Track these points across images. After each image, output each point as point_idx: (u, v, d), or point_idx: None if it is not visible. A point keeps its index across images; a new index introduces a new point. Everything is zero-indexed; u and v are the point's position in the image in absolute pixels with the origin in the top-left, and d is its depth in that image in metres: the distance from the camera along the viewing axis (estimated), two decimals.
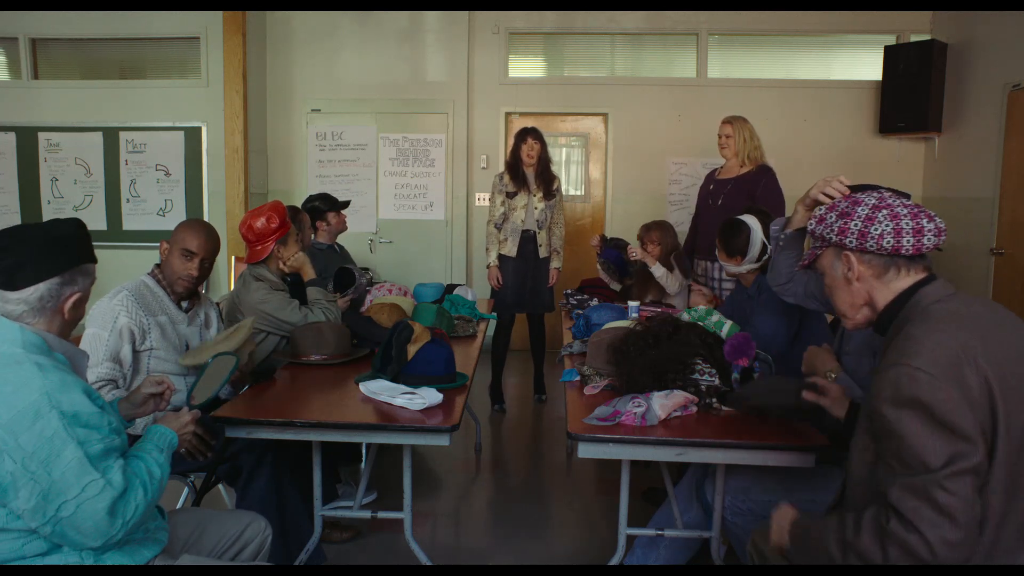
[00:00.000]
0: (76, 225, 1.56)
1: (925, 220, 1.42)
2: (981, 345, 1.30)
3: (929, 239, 1.42)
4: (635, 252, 3.93)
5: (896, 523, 1.25)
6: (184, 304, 2.46)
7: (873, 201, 1.46)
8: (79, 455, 1.37)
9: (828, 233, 1.51)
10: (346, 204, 4.07)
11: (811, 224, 1.57)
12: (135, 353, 2.31)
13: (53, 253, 1.48)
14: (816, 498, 1.91)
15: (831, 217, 1.51)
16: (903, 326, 1.41)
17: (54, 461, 1.36)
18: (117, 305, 2.26)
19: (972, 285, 5.14)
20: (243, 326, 2.41)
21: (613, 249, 4.10)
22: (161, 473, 1.54)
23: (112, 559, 1.48)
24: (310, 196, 4.05)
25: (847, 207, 1.48)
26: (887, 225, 1.42)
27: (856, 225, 1.45)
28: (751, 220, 2.77)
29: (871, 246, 1.44)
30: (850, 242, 1.46)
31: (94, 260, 1.58)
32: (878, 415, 1.33)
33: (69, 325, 1.55)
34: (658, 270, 3.81)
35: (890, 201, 1.46)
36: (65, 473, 1.36)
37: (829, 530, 1.37)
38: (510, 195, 4.42)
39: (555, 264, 4.52)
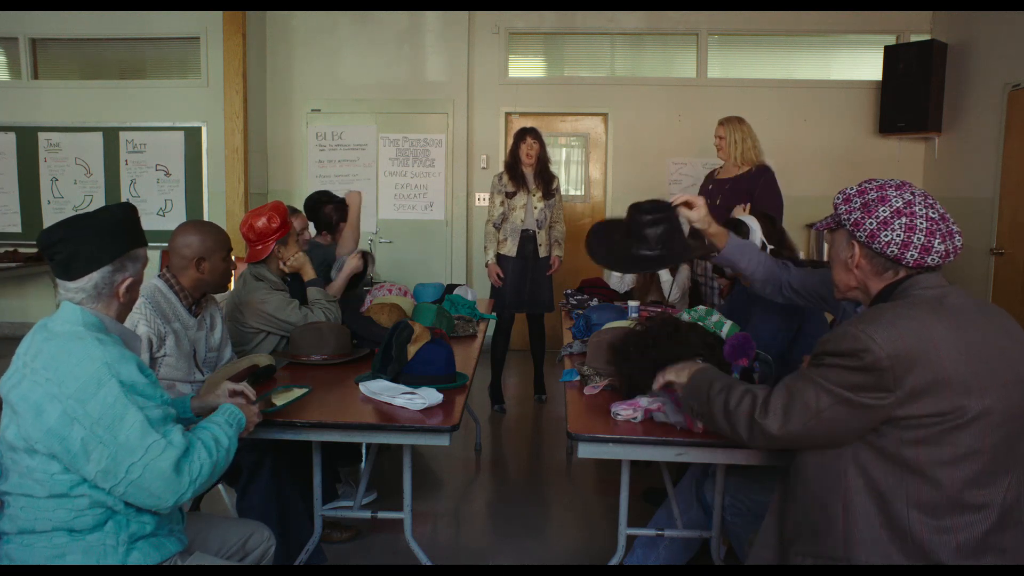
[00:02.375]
0: (123, 211, 1.65)
1: (937, 240, 1.41)
2: (948, 333, 1.33)
3: (933, 259, 1.42)
4: None
5: (761, 403, 1.46)
6: (193, 308, 2.45)
7: (899, 204, 1.44)
8: (140, 418, 1.48)
9: (845, 218, 1.52)
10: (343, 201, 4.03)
11: (837, 198, 1.57)
12: (151, 360, 2.30)
13: (102, 243, 1.58)
14: None
15: (856, 202, 1.50)
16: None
17: (118, 425, 1.46)
18: (136, 314, 2.23)
19: (972, 285, 5.14)
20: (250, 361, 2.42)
21: None
22: (228, 443, 1.64)
23: (141, 547, 1.57)
24: (319, 195, 3.95)
25: (874, 200, 1.47)
26: (898, 235, 1.42)
27: (871, 224, 1.46)
28: (750, 220, 2.78)
29: (876, 247, 1.46)
30: (860, 236, 1.48)
31: (143, 244, 1.68)
32: (815, 355, 1.44)
33: (126, 307, 1.67)
34: (664, 274, 3.84)
35: (915, 210, 1.44)
36: (129, 436, 1.46)
37: (722, 395, 1.57)
38: (509, 195, 4.42)
39: (556, 252, 4.53)
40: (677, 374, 1.80)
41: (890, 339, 1.32)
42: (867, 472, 1.38)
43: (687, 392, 1.72)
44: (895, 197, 1.46)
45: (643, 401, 1.98)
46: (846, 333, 1.38)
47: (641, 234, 2.03)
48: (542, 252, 4.48)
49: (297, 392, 2.10)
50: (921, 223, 1.42)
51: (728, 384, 1.60)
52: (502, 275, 4.46)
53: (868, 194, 1.49)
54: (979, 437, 1.31)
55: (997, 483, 1.34)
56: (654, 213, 2.03)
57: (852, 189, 1.54)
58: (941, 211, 1.45)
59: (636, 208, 2.08)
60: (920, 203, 1.44)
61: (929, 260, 1.43)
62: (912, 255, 1.42)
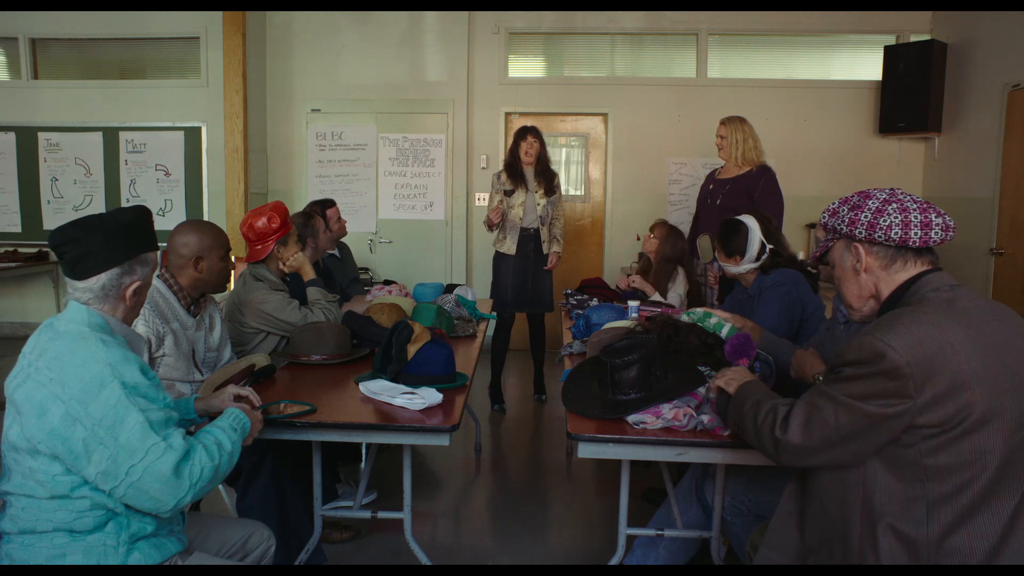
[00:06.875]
0: (136, 215, 1.65)
1: (934, 215, 1.45)
2: (965, 335, 1.32)
3: (936, 233, 1.44)
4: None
5: (781, 420, 1.46)
6: (192, 308, 2.45)
7: (884, 195, 1.49)
8: (141, 420, 1.48)
9: (839, 225, 1.54)
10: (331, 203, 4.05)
11: (823, 217, 1.59)
12: (150, 360, 2.30)
13: (112, 245, 1.58)
14: None
15: (843, 210, 1.54)
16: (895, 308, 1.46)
17: (119, 426, 1.47)
18: None
19: (972, 285, 5.11)
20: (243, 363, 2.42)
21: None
22: (232, 447, 1.64)
23: (141, 548, 1.57)
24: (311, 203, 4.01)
25: (858, 200, 1.52)
26: (896, 217, 1.45)
27: (866, 217, 1.48)
28: (749, 220, 2.77)
29: (879, 237, 1.46)
30: (859, 233, 1.49)
31: (153, 248, 1.68)
32: (833, 368, 1.43)
33: (132, 310, 1.67)
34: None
35: (900, 196, 1.48)
36: (130, 438, 1.47)
37: (752, 410, 1.58)
38: (508, 193, 4.42)
39: (555, 248, 4.53)
40: (727, 383, 1.79)
41: (909, 346, 1.31)
42: (884, 481, 1.36)
43: (731, 407, 1.72)
44: (877, 192, 1.51)
45: (665, 409, 1.98)
46: (863, 343, 1.36)
47: (615, 379, 2.01)
48: (544, 249, 4.49)
49: (304, 408, 2.09)
50: (911, 204, 1.47)
51: (758, 400, 1.59)
52: (502, 271, 4.46)
53: (851, 200, 1.54)
54: (998, 439, 1.30)
55: (1015, 486, 1.32)
56: (623, 356, 2.00)
57: (833, 204, 1.58)
58: (921, 199, 1.49)
59: (606, 353, 2.05)
60: (901, 192, 1.50)
61: (933, 235, 1.43)
62: (916, 233, 1.43)
